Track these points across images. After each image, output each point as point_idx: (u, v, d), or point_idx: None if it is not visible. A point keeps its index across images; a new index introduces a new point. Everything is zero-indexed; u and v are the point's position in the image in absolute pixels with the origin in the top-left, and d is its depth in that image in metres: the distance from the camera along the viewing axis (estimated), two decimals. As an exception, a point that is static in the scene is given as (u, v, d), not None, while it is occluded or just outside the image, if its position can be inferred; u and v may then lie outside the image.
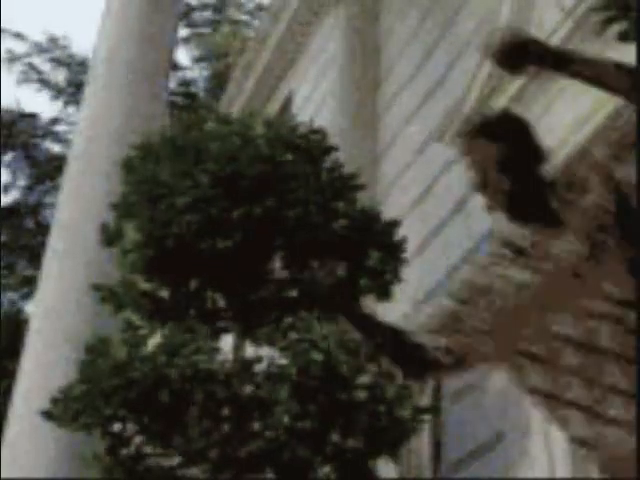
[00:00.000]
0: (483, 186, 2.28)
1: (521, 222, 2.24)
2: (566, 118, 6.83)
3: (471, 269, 2.25)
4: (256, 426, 5.80)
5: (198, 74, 24.81)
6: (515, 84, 7.32)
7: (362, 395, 5.64)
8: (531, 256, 2.14)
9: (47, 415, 5.82)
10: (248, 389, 5.85)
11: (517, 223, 2.24)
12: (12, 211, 23.82)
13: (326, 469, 5.80)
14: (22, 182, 24.39)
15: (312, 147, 6.72)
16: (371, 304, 9.98)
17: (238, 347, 6.56)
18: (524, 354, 2.04)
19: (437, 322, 2.22)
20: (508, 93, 7.41)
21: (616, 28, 4.79)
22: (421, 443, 8.40)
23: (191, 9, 24.64)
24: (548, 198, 2.21)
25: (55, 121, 24.81)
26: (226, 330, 6.65)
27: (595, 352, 1.93)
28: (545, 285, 2.08)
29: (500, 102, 7.48)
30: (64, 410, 5.80)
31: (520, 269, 2.14)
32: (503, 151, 2.27)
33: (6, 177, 36.69)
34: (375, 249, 6.68)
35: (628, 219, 2.11)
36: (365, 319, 2.26)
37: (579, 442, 1.95)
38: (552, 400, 1.98)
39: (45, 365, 9.77)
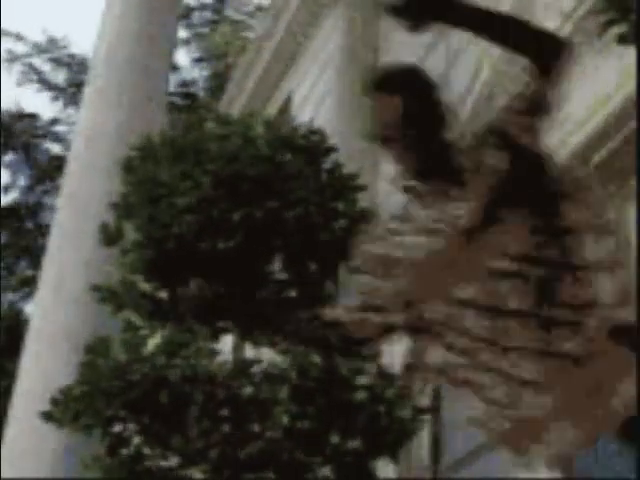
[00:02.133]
0: (384, 140, 2.14)
1: (422, 180, 2.14)
2: (572, 115, 6.84)
3: (367, 241, 2.15)
4: (255, 427, 5.81)
5: (198, 75, 24.82)
6: (517, 83, 7.32)
7: (361, 396, 5.64)
8: (422, 219, 2.05)
9: (47, 416, 5.82)
10: (247, 390, 5.85)
11: (418, 180, 2.14)
12: (12, 211, 23.83)
13: (325, 470, 5.80)
14: (22, 182, 24.40)
15: (312, 147, 6.72)
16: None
17: (238, 348, 6.56)
18: (428, 323, 1.94)
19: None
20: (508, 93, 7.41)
21: (615, 31, 4.80)
22: (421, 443, 8.41)
23: (190, 10, 24.63)
24: (451, 158, 2.11)
25: (55, 121, 24.81)
26: (226, 331, 6.65)
27: (500, 314, 1.84)
28: (442, 247, 1.95)
29: (501, 101, 7.49)
30: (64, 411, 5.80)
31: (415, 234, 2.05)
32: (407, 105, 2.13)
33: (6, 178, 36.71)
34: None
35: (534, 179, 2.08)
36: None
37: (492, 403, 1.89)
38: (462, 366, 1.90)
39: (44, 365, 9.78)
